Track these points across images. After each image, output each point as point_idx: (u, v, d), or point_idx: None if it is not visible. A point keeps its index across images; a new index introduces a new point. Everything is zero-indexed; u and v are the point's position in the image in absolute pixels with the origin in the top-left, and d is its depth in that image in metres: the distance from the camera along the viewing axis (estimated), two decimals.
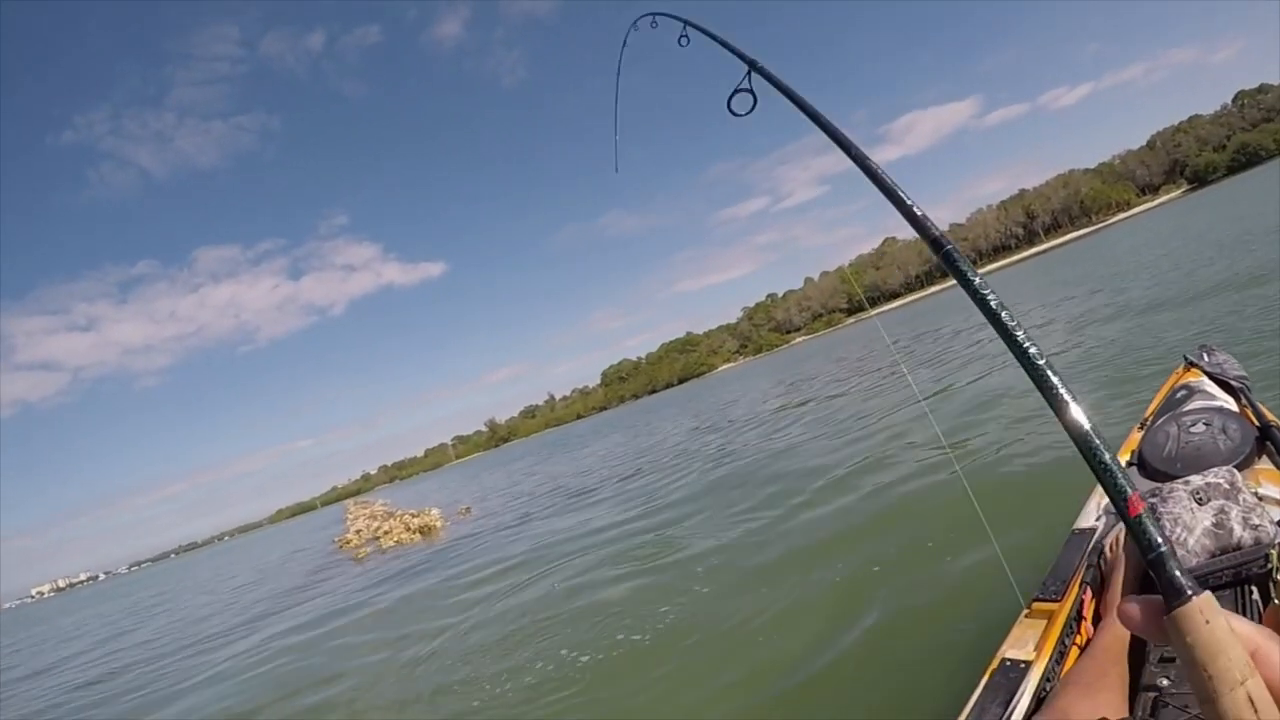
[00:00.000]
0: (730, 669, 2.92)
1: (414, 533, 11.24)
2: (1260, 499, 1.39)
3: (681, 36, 1.61)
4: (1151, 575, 0.47)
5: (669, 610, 3.77)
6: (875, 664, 2.61)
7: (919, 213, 0.79)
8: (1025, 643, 1.35)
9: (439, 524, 11.38)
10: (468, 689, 3.55)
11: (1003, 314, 0.65)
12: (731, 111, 1.23)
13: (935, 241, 0.75)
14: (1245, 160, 72.80)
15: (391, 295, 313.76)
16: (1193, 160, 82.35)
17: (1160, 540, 0.48)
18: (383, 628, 5.59)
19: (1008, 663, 1.30)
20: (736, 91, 1.22)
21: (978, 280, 0.68)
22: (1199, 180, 78.41)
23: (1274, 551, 1.21)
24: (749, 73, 1.20)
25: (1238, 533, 1.28)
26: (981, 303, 0.67)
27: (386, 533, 12.23)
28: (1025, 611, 1.46)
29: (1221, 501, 1.35)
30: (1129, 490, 0.52)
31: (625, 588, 4.41)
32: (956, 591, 2.91)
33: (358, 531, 15.43)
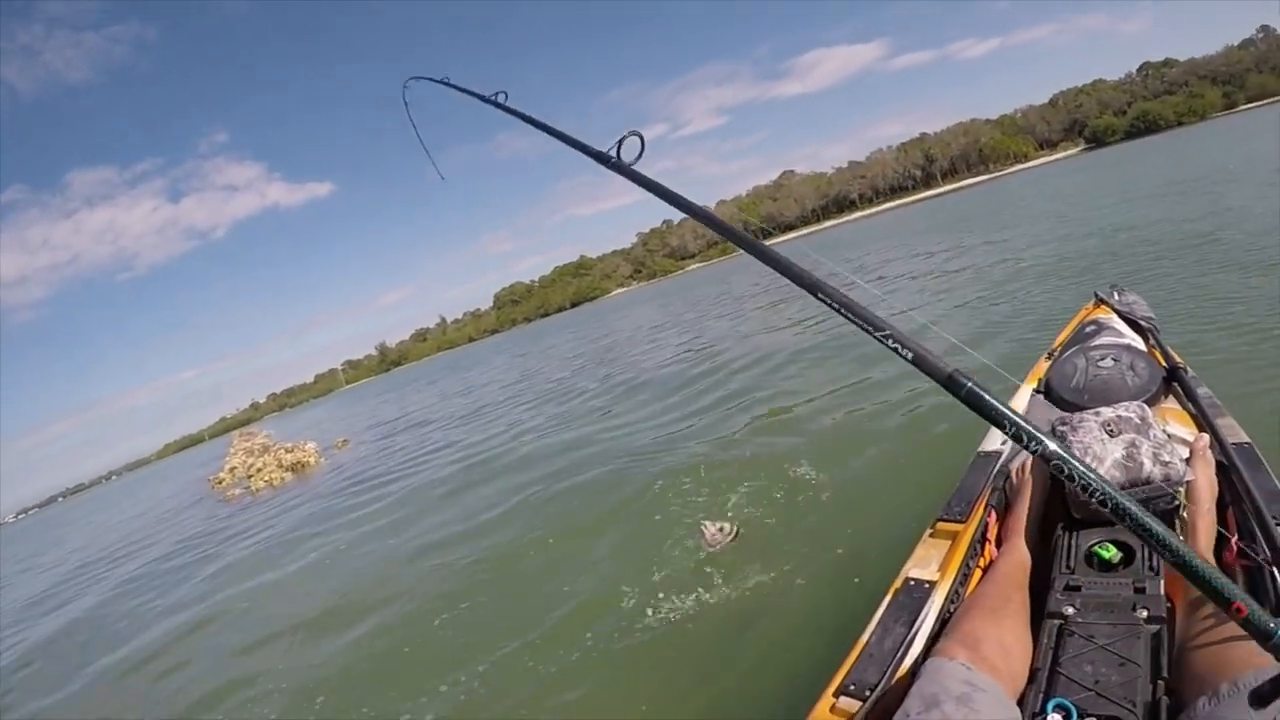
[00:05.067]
0: (617, 602, 2.83)
1: (286, 470, 10.52)
2: (1169, 437, 1.37)
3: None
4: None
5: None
6: (777, 585, 2.56)
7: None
8: (929, 563, 1.33)
9: (313, 460, 10.74)
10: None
11: None
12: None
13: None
14: (1144, 127, 74.64)
15: (277, 216, 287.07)
16: (1093, 121, 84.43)
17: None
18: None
19: (912, 582, 1.29)
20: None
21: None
22: (1097, 141, 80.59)
23: (1182, 489, 1.23)
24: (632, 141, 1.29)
25: (1148, 467, 1.26)
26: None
27: (259, 470, 11.41)
28: (929, 531, 1.45)
29: (1132, 435, 1.31)
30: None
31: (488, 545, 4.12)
32: (859, 510, 2.90)
33: (231, 470, 14.38)
